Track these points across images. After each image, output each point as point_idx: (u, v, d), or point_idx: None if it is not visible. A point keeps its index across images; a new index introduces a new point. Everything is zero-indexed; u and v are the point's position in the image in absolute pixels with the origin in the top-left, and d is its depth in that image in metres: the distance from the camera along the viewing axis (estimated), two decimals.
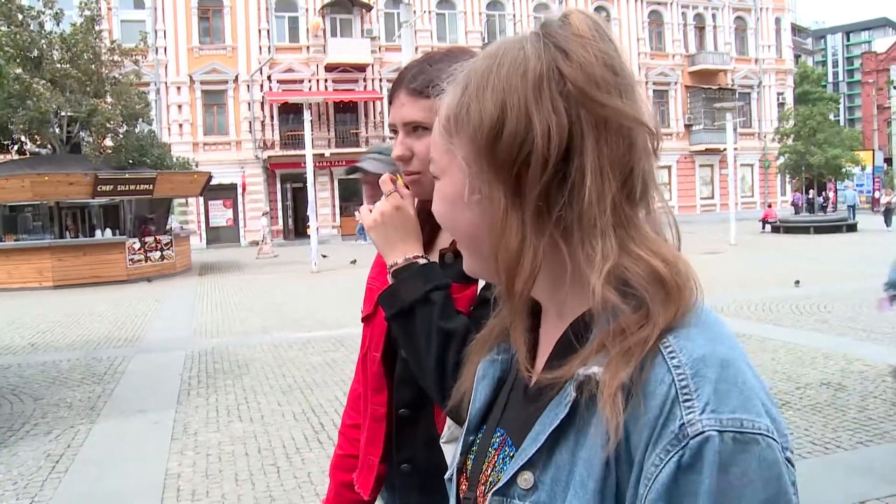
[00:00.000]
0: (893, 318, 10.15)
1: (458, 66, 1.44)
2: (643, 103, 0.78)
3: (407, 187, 1.50)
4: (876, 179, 50.44)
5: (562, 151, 0.74)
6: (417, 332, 1.36)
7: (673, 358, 0.70)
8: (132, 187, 20.65)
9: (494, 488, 0.80)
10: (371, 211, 1.46)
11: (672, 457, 0.66)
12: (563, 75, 0.75)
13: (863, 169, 47.38)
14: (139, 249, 20.75)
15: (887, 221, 29.56)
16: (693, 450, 0.65)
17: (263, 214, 32.10)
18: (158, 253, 21.33)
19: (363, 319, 1.65)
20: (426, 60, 1.47)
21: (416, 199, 1.51)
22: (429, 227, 1.54)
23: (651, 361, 0.70)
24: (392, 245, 1.43)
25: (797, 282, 13.73)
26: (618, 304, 0.73)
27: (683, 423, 0.66)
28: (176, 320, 12.97)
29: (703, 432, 0.65)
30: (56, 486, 5.18)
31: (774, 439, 0.67)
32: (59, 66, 20.68)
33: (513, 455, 0.81)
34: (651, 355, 0.70)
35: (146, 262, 20.85)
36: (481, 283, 1.43)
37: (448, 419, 1.41)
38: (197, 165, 26.13)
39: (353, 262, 21.98)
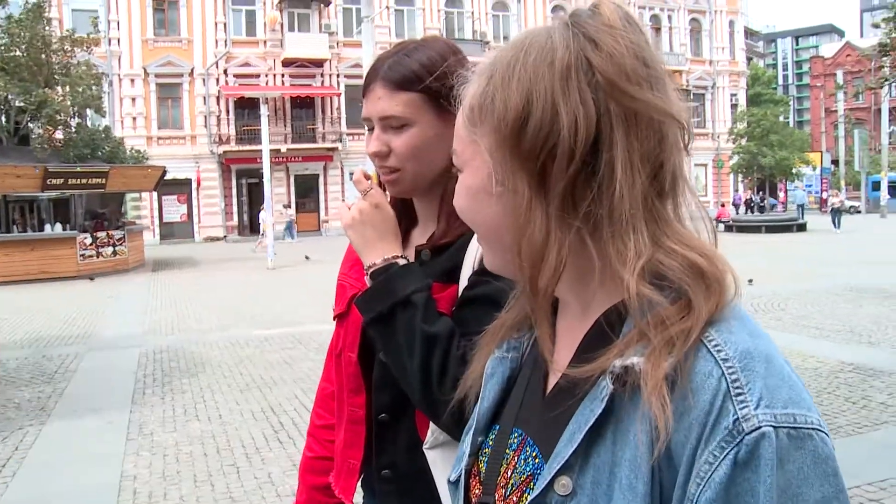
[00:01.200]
0: (844, 316, 10.41)
1: (436, 55, 1.41)
2: (674, 97, 0.76)
3: (381, 185, 1.44)
4: (824, 180, 51.69)
5: (589, 144, 0.72)
6: (399, 336, 1.30)
7: (720, 351, 0.67)
8: (84, 181, 20.15)
9: (530, 497, 0.75)
10: (349, 209, 1.40)
11: (728, 453, 0.64)
12: (592, 66, 0.73)
13: (812, 170, 48.53)
14: (90, 245, 20.27)
15: (835, 223, 29.95)
16: (749, 446, 0.63)
17: (264, 209, 31.99)
18: (111, 248, 20.86)
19: (335, 318, 1.59)
20: (401, 51, 1.41)
21: (390, 197, 1.47)
22: (403, 225, 1.49)
23: (694, 354, 0.68)
24: (370, 245, 1.37)
25: (750, 280, 13.97)
26: (654, 298, 0.70)
27: (738, 419, 0.64)
28: (129, 317, 12.68)
29: (759, 427, 0.63)
30: (2, 491, 4.99)
31: (826, 433, 0.66)
32: (6, 53, 20.08)
33: (536, 455, 0.78)
34: (694, 348, 0.68)
35: (98, 257, 20.37)
36: (462, 283, 1.38)
37: (431, 423, 1.36)
38: (147, 159, 25.54)
39: (307, 258, 21.83)
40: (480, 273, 1.34)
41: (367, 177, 1.41)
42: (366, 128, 1.45)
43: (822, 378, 7.20)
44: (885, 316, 10.46)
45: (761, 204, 36.99)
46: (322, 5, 36.37)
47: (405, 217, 1.51)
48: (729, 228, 31.21)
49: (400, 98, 1.36)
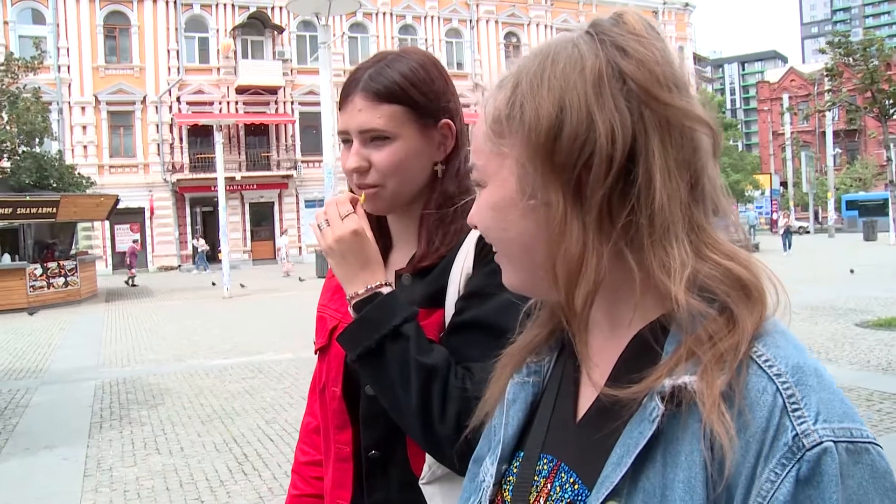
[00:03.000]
0: (801, 335, 10.58)
1: (418, 66, 1.37)
2: (699, 104, 0.74)
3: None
4: (773, 202, 52.95)
5: (626, 152, 0.70)
6: (391, 371, 1.22)
7: (771, 367, 0.66)
8: (33, 210, 19.69)
9: None
10: (320, 228, 1.31)
11: (789, 471, 0.62)
12: (623, 73, 0.71)
13: (762, 193, 49.67)
14: (41, 276, 19.75)
15: (786, 245, 30.12)
16: (811, 462, 0.61)
17: (283, 233, 31.67)
18: (62, 279, 20.35)
19: (317, 351, 1.50)
20: (381, 61, 1.34)
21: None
22: (379, 246, 1.42)
23: (745, 370, 0.66)
24: (352, 274, 1.28)
25: None
26: (703, 311, 0.68)
27: (797, 435, 0.62)
28: (83, 349, 12.32)
29: (820, 443, 0.62)
30: None
31: (881, 447, 0.64)
32: None
33: (574, 482, 0.75)
34: (743, 364, 0.66)
35: (49, 288, 19.84)
36: (449, 307, 1.32)
37: (427, 457, 1.29)
38: (93, 184, 25.09)
39: (242, 286, 22.02)
40: (468, 297, 1.30)
41: (356, 201, 1.33)
42: (340, 142, 1.37)
43: None
44: (841, 333, 10.66)
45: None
46: (276, 32, 36.33)
47: (380, 237, 1.44)
48: None
49: (382, 110, 1.30)
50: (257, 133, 36.44)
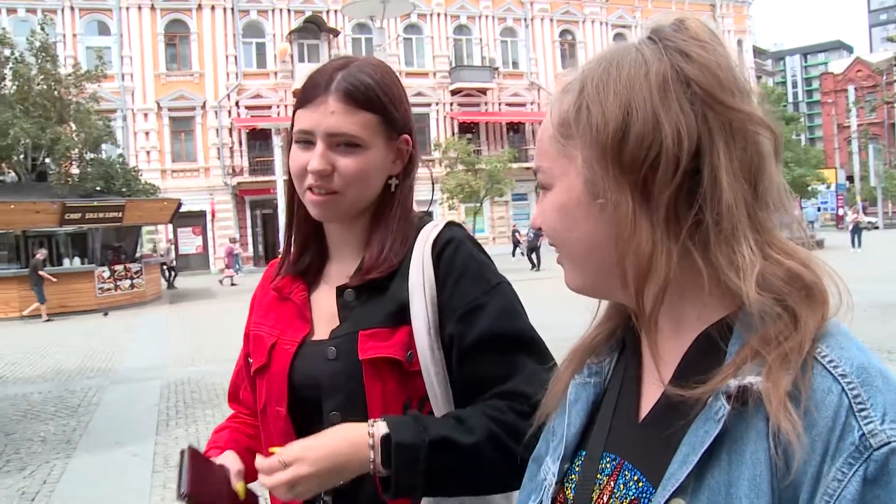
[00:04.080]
0: (869, 333, 10.26)
1: (388, 78, 1.33)
2: (762, 108, 0.76)
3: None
4: (839, 197, 51.47)
5: (692, 153, 0.72)
6: (457, 476, 1.19)
7: (836, 367, 0.67)
8: (101, 215, 20.34)
9: None
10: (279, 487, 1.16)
11: (857, 470, 0.63)
12: (687, 77, 0.73)
13: (827, 187, 48.34)
14: (108, 278, 20.38)
15: (854, 242, 28.59)
16: (879, 462, 0.62)
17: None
18: (128, 281, 20.98)
19: (253, 372, 1.41)
20: (352, 65, 1.31)
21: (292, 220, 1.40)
22: (315, 251, 1.41)
23: (810, 371, 0.67)
24: (339, 468, 1.16)
25: None
26: (771, 310, 0.69)
27: (864, 434, 0.63)
28: (149, 350, 12.69)
29: (888, 443, 0.63)
30: None
31: None
32: (20, 93, 20.38)
33: (639, 479, 0.76)
34: (808, 364, 0.67)
35: (116, 290, 20.47)
36: (419, 321, 1.28)
37: None
38: (158, 191, 25.72)
39: None
40: (462, 318, 1.28)
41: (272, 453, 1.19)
42: (292, 141, 1.31)
43: None
44: None
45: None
46: (331, 36, 36.75)
47: (314, 246, 1.42)
48: None
49: (358, 117, 1.28)
50: None
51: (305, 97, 1.30)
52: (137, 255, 23.51)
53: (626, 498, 0.77)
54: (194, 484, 1.17)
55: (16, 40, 21.17)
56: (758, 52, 65.77)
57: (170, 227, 30.19)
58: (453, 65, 38.75)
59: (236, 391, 1.57)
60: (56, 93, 21.12)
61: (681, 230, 0.73)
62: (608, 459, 0.81)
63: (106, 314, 18.72)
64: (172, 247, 30.14)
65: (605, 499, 0.79)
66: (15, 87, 20.55)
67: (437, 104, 38.35)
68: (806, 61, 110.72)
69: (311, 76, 1.32)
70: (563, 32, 41.44)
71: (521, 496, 0.95)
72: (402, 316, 1.30)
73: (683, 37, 0.75)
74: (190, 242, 34.90)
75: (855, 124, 53.85)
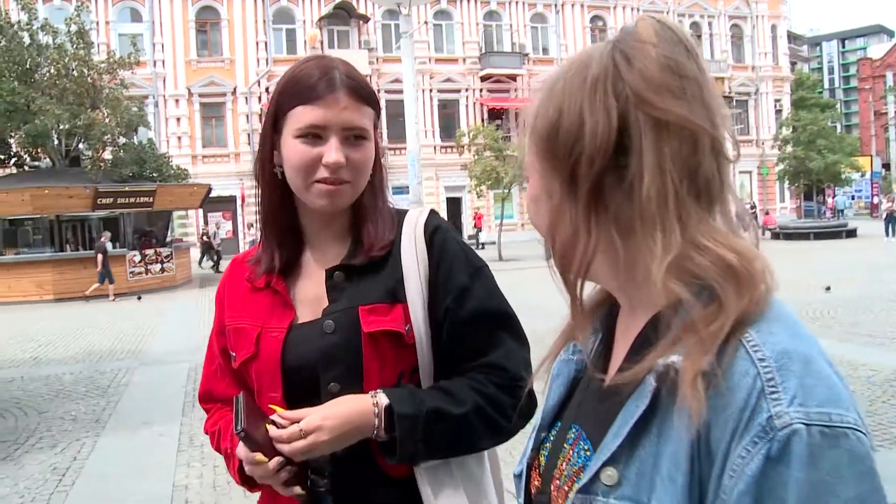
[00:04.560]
0: None
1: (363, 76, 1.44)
2: (712, 105, 0.79)
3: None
4: (874, 185, 50.55)
5: (610, 149, 0.77)
6: (448, 439, 1.34)
7: (757, 351, 0.70)
8: (132, 200, 20.66)
9: (577, 486, 0.80)
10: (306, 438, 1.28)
11: (760, 449, 0.66)
12: (622, 79, 0.78)
13: (862, 175, 47.48)
14: (139, 262, 20.72)
15: (888, 230, 28.08)
16: (781, 442, 0.66)
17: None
18: (159, 265, 21.30)
19: (241, 364, 1.45)
20: (342, 64, 1.40)
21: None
22: (290, 244, 1.46)
23: (733, 354, 0.71)
24: (350, 437, 1.30)
25: (828, 288, 13.71)
26: (684, 296, 0.74)
27: (771, 416, 0.67)
28: (178, 333, 12.92)
29: (790, 425, 0.66)
30: (63, 499, 5.14)
31: (864, 433, 0.67)
32: (55, 80, 20.69)
33: (588, 450, 0.82)
34: (732, 348, 0.71)
35: (147, 274, 20.82)
36: (413, 296, 1.39)
37: None
38: (189, 177, 25.91)
39: None
40: (458, 297, 1.39)
41: (275, 424, 1.31)
42: (302, 137, 1.35)
43: (876, 386, 7.03)
44: None
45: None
46: (361, 22, 36.79)
47: (289, 239, 1.46)
48: (776, 236, 30.67)
49: (365, 111, 1.39)
50: None
51: (308, 95, 1.35)
52: (168, 239, 23.82)
53: (576, 465, 0.83)
54: (250, 423, 1.28)
55: (57, 27, 21.45)
56: (793, 38, 64.64)
57: (200, 211, 30.50)
58: (483, 51, 38.59)
59: (209, 393, 1.62)
60: (90, 79, 21.40)
61: (606, 219, 0.79)
62: (574, 430, 0.88)
63: (139, 298, 19.02)
64: (219, 231, 30.19)
65: (564, 465, 0.86)
66: (49, 74, 20.84)
67: (466, 90, 38.27)
68: (844, 46, 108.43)
69: (300, 77, 1.37)
70: (594, 18, 41.05)
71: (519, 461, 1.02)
72: (397, 293, 1.39)
73: (630, 39, 0.80)
74: (220, 227, 35.23)
75: (892, 111, 52.78)
